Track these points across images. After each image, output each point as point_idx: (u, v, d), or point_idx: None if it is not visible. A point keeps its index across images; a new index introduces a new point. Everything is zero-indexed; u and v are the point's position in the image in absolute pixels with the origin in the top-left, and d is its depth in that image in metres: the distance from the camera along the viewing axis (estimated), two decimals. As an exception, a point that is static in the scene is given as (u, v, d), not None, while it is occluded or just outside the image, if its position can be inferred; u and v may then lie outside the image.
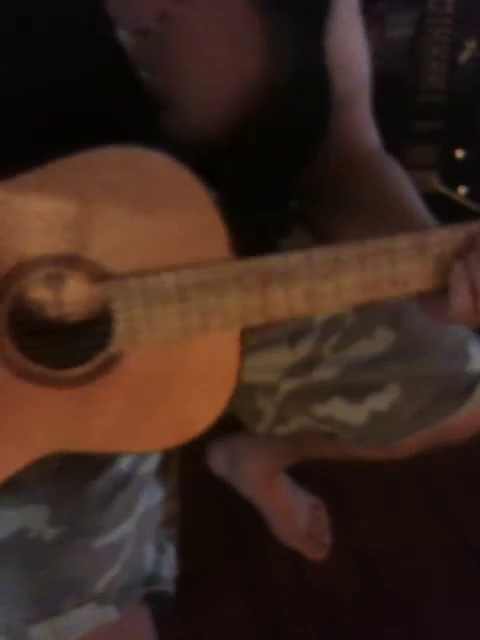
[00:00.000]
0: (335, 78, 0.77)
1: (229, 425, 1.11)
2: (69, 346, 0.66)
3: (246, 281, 0.64)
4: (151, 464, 0.85)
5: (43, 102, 0.64)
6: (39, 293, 0.65)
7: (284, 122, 0.73)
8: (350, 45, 0.81)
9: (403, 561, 1.30)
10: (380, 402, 0.92)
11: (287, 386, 0.94)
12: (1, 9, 0.65)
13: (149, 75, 0.68)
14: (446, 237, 0.65)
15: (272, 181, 0.76)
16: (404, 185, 0.80)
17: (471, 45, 1.55)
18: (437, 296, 0.67)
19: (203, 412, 0.68)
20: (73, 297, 0.66)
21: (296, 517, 1.33)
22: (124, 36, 0.67)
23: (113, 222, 0.63)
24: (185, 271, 0.63)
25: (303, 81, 0.74)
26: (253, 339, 0.91)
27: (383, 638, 1.22)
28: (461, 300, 0.65)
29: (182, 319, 0.64)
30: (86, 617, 0.77)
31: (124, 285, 0.63)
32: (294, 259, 0.64)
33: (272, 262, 0.64)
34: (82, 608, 0.77)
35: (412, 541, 1.33)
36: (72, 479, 0.78)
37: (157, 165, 0.63)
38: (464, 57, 1.56)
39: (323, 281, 0.64)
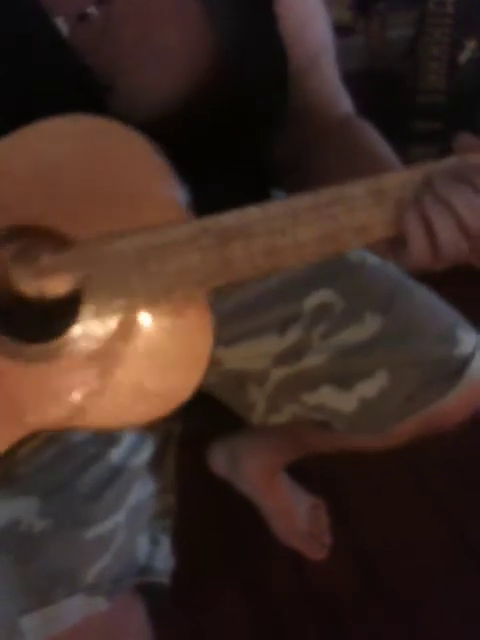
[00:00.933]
0: (290, 44, 0.76)
1: (229, 425, 1.11)
2: (43, 320, 0.65)
3: (203, 241, 0.63)
4: (143, 457, 0.85)
5: None
6: (14, 267, 0.65)
7: (237, 93, 0.72)
8: (304, 9, 0.80)
9: (403, 561, 1.30)
10: (369, 389, 0.92)
11: (277, 375, 0.94)
12: None
13: (92, 60, 0.69)
14: (404, 179, 0.63)
15: (236, 155, 0.75)
16: (377, 147, 0.78)
17: (471, 45, 1.56)
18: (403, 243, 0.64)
19: (182, 381, 0.67)
20: (49, 271, 0.65)
21: (296, 517, 1.33)
22: (61, 23, 0.68)
23: (68, 189, 0.63)
24: (140, 235, 0.63)
25: (252, 50, 0.73)
26: (242, 327, 0.91)
27: (383, 638, 1.22)
28: (418, 244, 0.62)
29: (145, 284, 0.63)
30: (76, 607, 0.77)
31: (84, 252, 0.63)
32: (249, 215, 0.63)
33: (227, 220, 0.63)
34: (72, 598, 0.77)
35: (412, 541, 1.33)
36: (62, 471, 0.78)
37: (106, 130, 0.63)
38: (464, 57, 1.57)
39: (281, 236, 0.63)
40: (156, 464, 0.87)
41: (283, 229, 0.63)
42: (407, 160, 1.66)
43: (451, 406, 0.92)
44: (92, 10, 0.69)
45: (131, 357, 0.66)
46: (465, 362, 0.91)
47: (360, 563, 1.31)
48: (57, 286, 0.66)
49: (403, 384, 0.91)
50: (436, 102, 1.56)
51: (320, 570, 1.30)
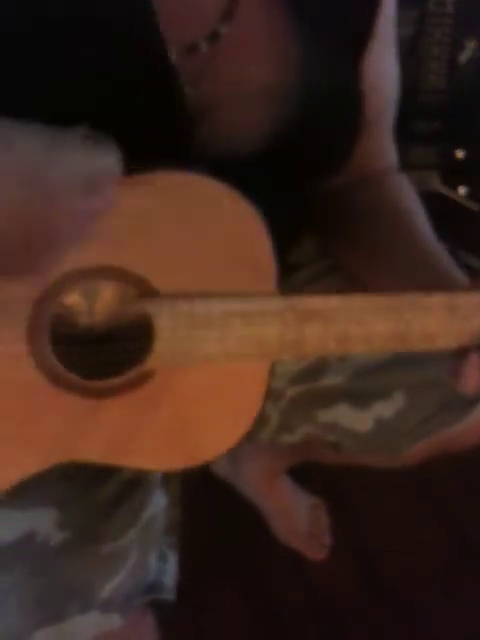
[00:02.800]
0: (367, 98, 0.78)
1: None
2: (104, 358, 0.66)
3: (287, 316, 0.66)
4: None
5: (89, 108, 0.63)
6: (80, 302, 0.67)
7: (313, 140, 0.73)
8: (384, 67, 0.81)
9: (403, 561, 1.31)
10: (386, 409, 0.91)
11: (292, 392, 0.93)
12: (51, 21, 0.64)
13: (191, 90, 0.69)
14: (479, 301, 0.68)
15: (293, 193, 0.77)
16: (413, 205, 0.81)
17: (471, 45, 1.55)
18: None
19: (219, 439, 0.69)
20: (111, 309, 0.67)
21: (296, 517, 1.33)
22: (171, 52, 0.68)
23: (167, 242, 0.64)
24: (233, 300, 0.65)
25: (337, 102, 0.74)
26: None
27: (383, 638, 1.22)
28: (471, 381, 0.67)
29: (221, 345, 0.65)
30: (90, 624, 0.76)
31: (172, 305, 0.64)
32: (334, 302, 0.66)
33: (314, 302, 0.66)
34: (86, 615, 0.76)
35: (412, 541, 1.33)
36: (82, 482, 0.77)
37: (219, 194, 0.64)
38: (464, 57, 1.56)
39: (357, 326, 0.67)
40: (164, 477, 0.86)
41: (360, 321, 0.67)
42: (407, 160, 1.66)
43: (466, 430, 0.92)
44: (202, 44, 0.70)
45: (179, 407, 0.67)
46: None
47: (360, 563, 1.31)
48: (121, 327, 0.68)
49: (420, 407, 0.91)
50: (436, 102, 1.55)
51: (320, 570, 1.30)
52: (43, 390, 0.65)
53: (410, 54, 1.58)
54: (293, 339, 0.66)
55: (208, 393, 0.68)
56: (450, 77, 1.56)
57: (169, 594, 0.84)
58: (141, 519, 0.81)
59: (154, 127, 0.66)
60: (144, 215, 0.64)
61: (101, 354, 0.67)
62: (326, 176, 0.80)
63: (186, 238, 0.64)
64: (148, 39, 0.67)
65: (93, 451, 0.68)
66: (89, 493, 0.78)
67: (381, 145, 0.87)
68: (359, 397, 0.92)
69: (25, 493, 0.71)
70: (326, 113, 0.73)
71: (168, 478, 0.86)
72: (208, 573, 1.27)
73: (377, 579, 1.29)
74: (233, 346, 0.65)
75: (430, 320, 0.67)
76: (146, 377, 0.66)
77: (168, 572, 0.85)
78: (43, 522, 0.75)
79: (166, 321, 0.64)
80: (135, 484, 0.81)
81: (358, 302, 0.67)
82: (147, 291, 0.64)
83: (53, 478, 0.74)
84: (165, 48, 0.67)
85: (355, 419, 0.93)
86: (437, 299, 0.67)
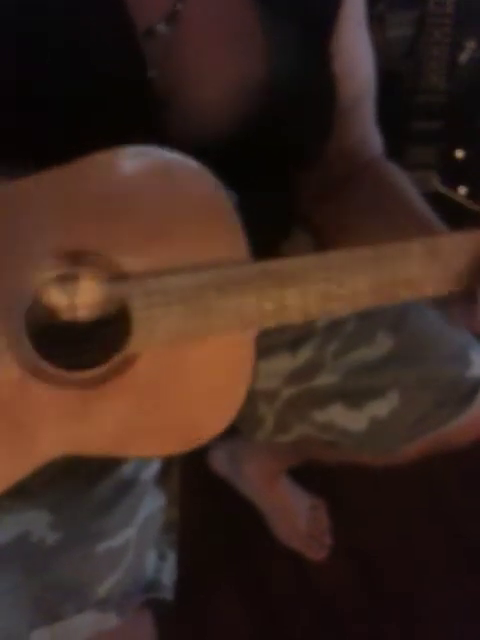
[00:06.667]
0: (340, 84, 0.77)
1: (230, 425, 1.11)
2: (84, 347, 0.65)
3: (263, 283, 0.64)
4: (153, 469, 0.84)
5: (56, 97, 0.64)
6: (55, 291, 0.65)
7: (285, 125, 0.73)
8: (356, 51, 0.80)
9: (403, 561, 1.31)
10: (380, 409, 0.91)
11: (287, 392, 0.93)
12: (23, 10, 0.65)
13: (156, 74, 0.69)
14: (458, 243, 0.66)
15: (273, 182, 0.76)
16: (408, 188, 0.80)
17: (471, 45, 1.55)
18: (459, 302, 0.67)
19: (211, 420, 0.67)
20: (87, 296, 0.65)
21: (296, 517, 1.33)
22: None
23: (131, 221, 0.63)
24: (204, 271, 0.63)
25: (306, 85, 0.74)
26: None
27: (383, 638, 1.23)
28: None
29: (200, 320, 0.64)
30: (86, 623, 0.76)
31: (144, 284, 0.63)
32: (310, 262, 0.64)
33: (289, 265, 0.64)
34: (83, 614, 0.76)
35: (412, 541, 1.33)
36: (74, 483, 0.77)
37: (178, 167, 0.63)
38: (464, 57, 1.56)
39: (338, 285, 0.65)
40: (162, 477, 0.86)
41: (340, 278, 0.64)
42: (407, 160, 1.66)
43: (461, 428, 0.92)
44: (161, 27, 0.69)
45: (165, 390, 0.66)
46: (477, 384, 0.91)
47: (360, 564, 1.31)
48: (97, 313, 0.66)
49: (414, 406, 0.91)
50: (436, 102, 1.55)
51: (320, 571, 1.30)
52: (25, 385, 0.64)
53: (410, 54, 1.58)
54: (273, 306, 0.64)
55: (196, 371, 0.66)
56: (450, 77, 1.56)
57: (167, 593, 0.84)
58: (137, 518, 0.80)
59: (119, 112, 0.65)
60: (107, 197, 0.62)
61: (82, 343, 0.66)
62: (302, 163, 0.79)
63: (147, 213, 0.63)
64: (115, 23, 0.67)
65: (90, 444, 0.67)
66: (82, 494, 0.77)
67: (363, 133, 0.85)
68: (353, 397, 0.92)
69: (19, 496, 0.71)
70: (294, 99, 0.73)
71: (165, 476, 0.86)
72: (208, 573, 1.27)
73: (377, 579, 1.29)
74: (214, 319, 0.64)
75: (413, 267, 0.65)
76: (131, 362, 0.64)
77: (166, 571, 0.85)
78: (36, 524, 0.75)
79: (140, 302, 0.63)
80: (129, 484, 0.80)
81: (335, 259, 0.64)
82: (117, 274, 0.63)
83: (44, 481, 0.74)
84: (133, 31, 0.67)
85: (350, 419, 0.92)
86: (417, 245, 0.65)
